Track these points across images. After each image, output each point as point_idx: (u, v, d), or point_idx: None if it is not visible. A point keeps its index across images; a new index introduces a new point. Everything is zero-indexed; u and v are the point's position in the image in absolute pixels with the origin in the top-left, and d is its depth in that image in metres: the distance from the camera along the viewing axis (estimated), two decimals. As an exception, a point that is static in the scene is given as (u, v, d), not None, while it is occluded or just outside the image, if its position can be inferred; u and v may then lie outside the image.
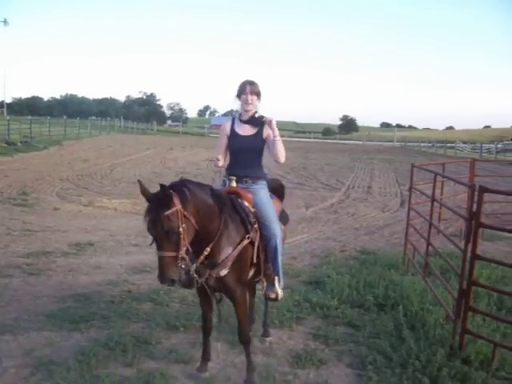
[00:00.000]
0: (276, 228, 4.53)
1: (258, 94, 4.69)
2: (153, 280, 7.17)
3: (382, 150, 50.62)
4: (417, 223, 8.43)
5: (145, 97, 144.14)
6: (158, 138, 53.74)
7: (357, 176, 24.14)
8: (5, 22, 28.39)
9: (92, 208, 13.63)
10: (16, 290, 6.79)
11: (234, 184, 4.63)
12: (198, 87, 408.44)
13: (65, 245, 9.25)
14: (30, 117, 41.36)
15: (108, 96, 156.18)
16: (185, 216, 3.71)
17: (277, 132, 4.65)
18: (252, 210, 4.51)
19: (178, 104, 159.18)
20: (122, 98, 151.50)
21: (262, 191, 4.70)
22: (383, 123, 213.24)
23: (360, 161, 33.62)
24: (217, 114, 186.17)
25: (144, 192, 3.71)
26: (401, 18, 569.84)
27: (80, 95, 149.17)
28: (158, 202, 3.63)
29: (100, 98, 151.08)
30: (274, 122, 4.61)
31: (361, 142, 68.77)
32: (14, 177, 18.01)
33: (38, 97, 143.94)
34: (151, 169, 23.21)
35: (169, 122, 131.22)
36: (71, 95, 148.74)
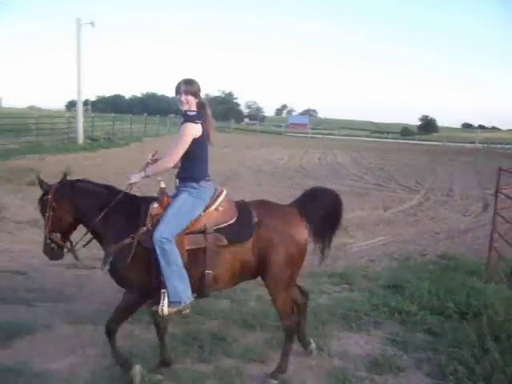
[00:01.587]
0: (158, 233, 4.20)
1: (194, 94, 4.53)
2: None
3: (463, 151, 49.05)
4: (502, 229, 8.10)
5: (223, 95, 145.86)
6: (236, 136, 54.19)
7: (437, 178, 23.51)
8: (92, 24, 29.22)
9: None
10: (98, 282, 7.02)
11: (162, 185, 4.54)
12: (275, 86, 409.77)
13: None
14: (112, 114, 42.74)
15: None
16: (53, 206, 4.48)
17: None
18: (153, 212, 4.38)
19: (255, 103, 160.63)
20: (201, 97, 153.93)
21: (181, 194, 4.48)
22: (464, 124, 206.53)
23: (440, 162, 32.71)
24: (294, 113, 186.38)
25: (40, 183, 4.63)
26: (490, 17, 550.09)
27: (160, 93, 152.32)
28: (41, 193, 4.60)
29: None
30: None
31: (441, 143, 66.93)
32: (96, 171, 18.60)
33: (120, 95, 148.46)
34: (229, 167, 23.39)
35: (246, 120, 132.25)
36: (151, 93, 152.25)
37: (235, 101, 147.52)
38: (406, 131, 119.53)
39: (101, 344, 5.05)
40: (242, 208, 4.54)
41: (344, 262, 8.44)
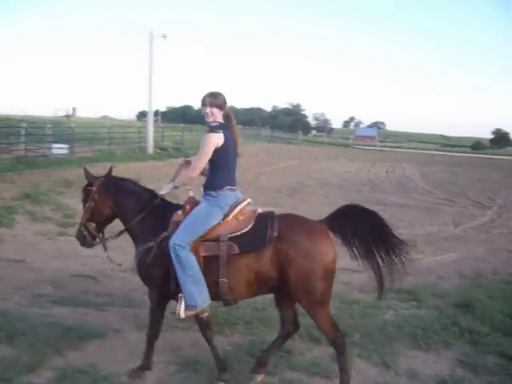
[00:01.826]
0: (172, 239, 4.35)
1: (218, 106, 4.68)
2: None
3: (540, 166, 47.24)
4: None
5: (291, 107, 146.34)
6: (303, 148, 54.24)
7: (510, 194, 22.71)
8: (164, 36, 29.97)
9: (239, 214, 13.94)
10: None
11: (190, 194, 4.77)
12: (343, 98, 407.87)
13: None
14: (181, 125, 43.60)
15: (255, 106, 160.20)
16: (95, 198, 4.84)
17: None
18: (175, 219, 4.56)
19: (323, 114, 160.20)
20: (268, 108, 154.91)
21: (201, 203, 4.62)
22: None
23: (514, 178, 31.58)
24: (362, 125, 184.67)
25: (87, 176, 4.97)
26: None
27: (228, 104, 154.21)
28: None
29: (247, 107, 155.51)
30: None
31: (515, 158, 64.76)
32: (165, 180, 18.95)
33: (189, 106, 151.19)
34: (296, 178, 23.39)
35: (313, 132, 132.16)
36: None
37: (303, 112, 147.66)
38: (477, 145, 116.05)
39: (167, 350, 5.14)
40: (262, 218, 4.49)
41: (412, 278, 8.25)
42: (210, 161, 4.57)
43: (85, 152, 25.61)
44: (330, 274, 4.33)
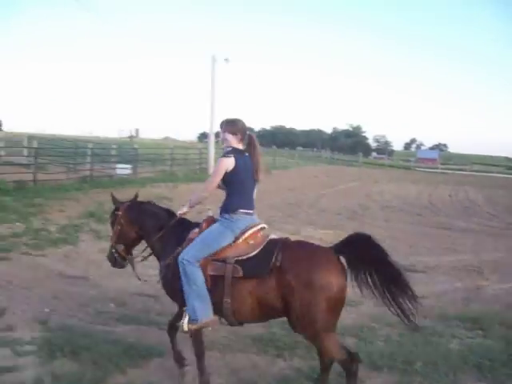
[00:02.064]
0: (182, 254, 4.59)
1: (233, 132, 4.88)
2: (357, 315, 7.13)
3: None
4: None
5: (351, 129, 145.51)
6: (363, 170, 53.75)
7: None
8: (226, 60, 30.45)
9: (298, 236, 13.81)
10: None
11: (209, 213, 5.04)
12: (405, 119, 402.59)
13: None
14: (242, 146, 44.02)
15: (315, 127, 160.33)
16: (121, 222, 5.31)
17: None
18: (191, 236, 4.80)
19: (383, 136, 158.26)
20: (328, 130, 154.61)
21: (215, 223, 4.80)
22: None
23: None
24: (423, 147, 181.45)
25: (113, 201, 5.56)
26: None
27: (288, 126, 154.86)
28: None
29: (307, 129, 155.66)
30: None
31: None
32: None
33: (249, 127, 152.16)
34: (356, 201, 23.14)
35: (374, 154, 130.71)
36: (280, 126, 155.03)
37: (363, 134, 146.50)
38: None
39: (225, 372, 5.12)
40: (271, 245, 4.52)
41: (478, 306, 7.97)
42: (226, 184, 4.79)
43: (147, 172, 26.16)
44: (334, 304, 4.25)
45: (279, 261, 4.33)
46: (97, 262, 9.48)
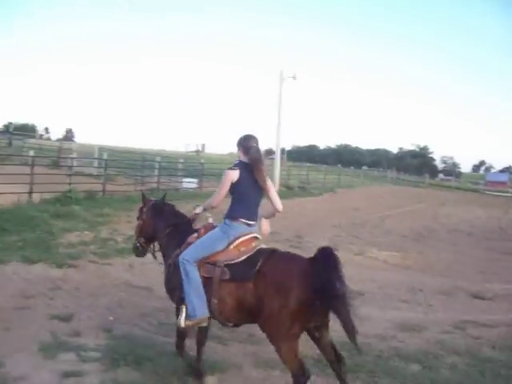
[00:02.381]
0: (183, 254, 4.95)
1: (238, 147, 5.26)
2: (422, 340, 6.93)
3: None
4: None
5: (417, 149, 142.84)
6: (430, 192, 52.55)
7: None
8: (294, 77, 30.52)
9: (362, 257, 13.66)
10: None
11: (209, 220, 5.43)
12: (473, 141, 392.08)
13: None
14: (308, 164, 43.95)
15: (381, 147, 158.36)
16: (143, 217, 5.89)
17: None
18: (189, 240, 5.18)
19: (451, 158, 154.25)
20: (394, 150, 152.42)
21: (216, 229, 5.13)
22: None
23: None
24: (493, 170, 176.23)
25: (143, 196, 6.13)
26: None
27: (354, 145, 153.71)
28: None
29: (373, 148, 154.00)
30: None
31: None
32: (290, 219, 19.03)
33: (314, 145, 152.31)
34: (422, 223, 22.65)
35: (441, 175, 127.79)
36: (345, 145, 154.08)
37: (430, 155, 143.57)
38: None
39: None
40: (258, 253, 4.79)
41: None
42: (231, 194, 5.07)
43: (213, 187, 26.41)
44: (299, 314, 4.37)
45: (260, 267, 4.60)
46: (160, 274, 9.59)
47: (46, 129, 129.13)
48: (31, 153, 20.18)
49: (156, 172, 23.59)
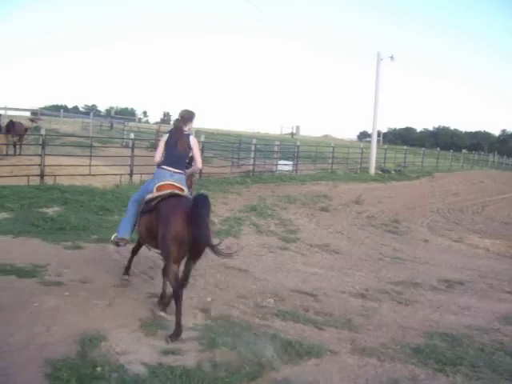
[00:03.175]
0: (131, 197, 7.14)
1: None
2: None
3: None
4: None
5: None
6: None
7: None
8: (391, 58, 29.69)
9: (461, 244, 13.20)
10: (384, 315, 6.96)
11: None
12: None
13: (433, 279, 9.18)
14: (405, 147, 42.82)
15: (481, 129, 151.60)
16: None
17: None
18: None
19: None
20: (496, 132, 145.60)
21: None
22: None
23: None
24: None
25: None
26: None
27: (452, 127, 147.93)
28: None
29: (473, 131, 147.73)
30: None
31: None
32: (386, 203, 18.70)
33: (411, 128, 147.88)
34: None
35: None
36: (443, 127, 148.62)
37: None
38: None
39: (383, 381, 4.95)
40: (167, 196, 6.20)
41: None
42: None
43: (308, 170, 26.36)
44: (177, 241, 5.64)
45: (157, 203, 6.14)
46: (257, 256, 9.70)
47: (145, 112, 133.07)
48: (131, 135, 20.79)
49: (252, 154, 23.74)
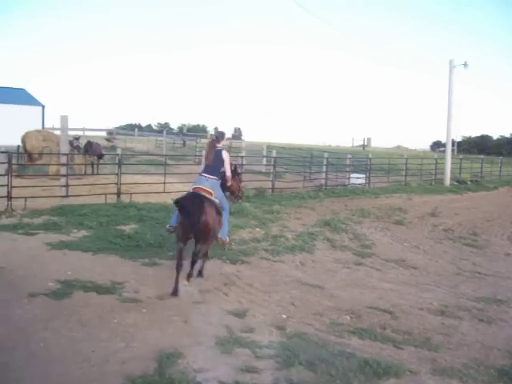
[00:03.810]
0: None
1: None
2: None
3: None
4: None
5: None
6: None
7: None
8: (465, 65, 28.88)
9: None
10: (465, 334, 6.72)
11: None
12: None
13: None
14: (481, 156, 41.43)
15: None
16: None
17: None
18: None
19: None
20: None
21: None
22: None
23: None
24: None
25: None
26: None
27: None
28: None
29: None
30: None
31: None
32: (464, 215, 18.10)
33: (487, 135, 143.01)
34: None
35: None
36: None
37: None
38: None
39: None
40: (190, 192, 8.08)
41: None
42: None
43: (381, 182, 25.96)
44: (184, 227, 7.56)
45: (180, 198, 7.61)
46: (332, 272, 9.58)
47: (216, 128, 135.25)
48: (204, 152, 21.08)
49: (324, 168, 23.60)
